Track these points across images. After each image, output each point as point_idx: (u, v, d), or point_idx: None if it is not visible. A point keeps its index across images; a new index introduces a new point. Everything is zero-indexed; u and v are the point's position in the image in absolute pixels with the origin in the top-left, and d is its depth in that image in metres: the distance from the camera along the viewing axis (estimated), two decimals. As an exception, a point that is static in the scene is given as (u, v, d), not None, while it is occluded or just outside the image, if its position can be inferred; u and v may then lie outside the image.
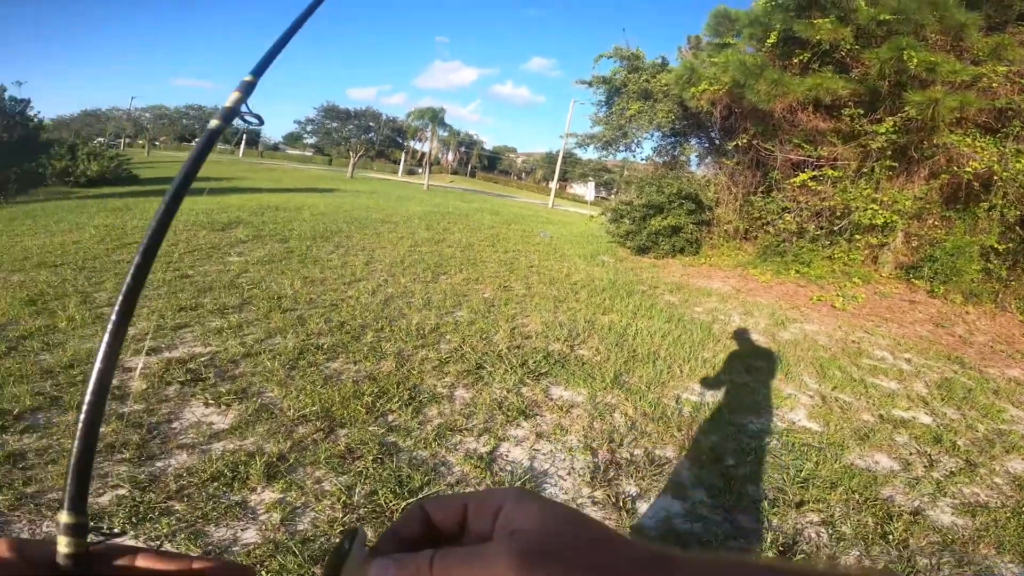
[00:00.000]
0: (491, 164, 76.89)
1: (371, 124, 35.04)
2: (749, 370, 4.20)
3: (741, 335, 5.19)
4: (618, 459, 2.64)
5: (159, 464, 2.08)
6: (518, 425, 2.82)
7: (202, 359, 3.06)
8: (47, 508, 1.77)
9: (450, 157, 63.89)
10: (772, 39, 7.68)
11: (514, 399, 3.06)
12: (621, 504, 2.28)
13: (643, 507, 2.30)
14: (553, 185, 33.71)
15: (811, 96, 7.38)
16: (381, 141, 36.73)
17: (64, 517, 0.35)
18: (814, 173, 7.85)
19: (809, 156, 8.00)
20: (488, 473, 2.33)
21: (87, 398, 0.38)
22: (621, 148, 11.06)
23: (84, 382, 2.61)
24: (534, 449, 2.63)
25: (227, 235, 6.81)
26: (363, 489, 2.09)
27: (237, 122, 0.58)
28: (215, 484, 1.99)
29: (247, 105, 0.56)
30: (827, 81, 7.16)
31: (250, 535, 1.80)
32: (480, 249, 8.18)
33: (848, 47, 7.22)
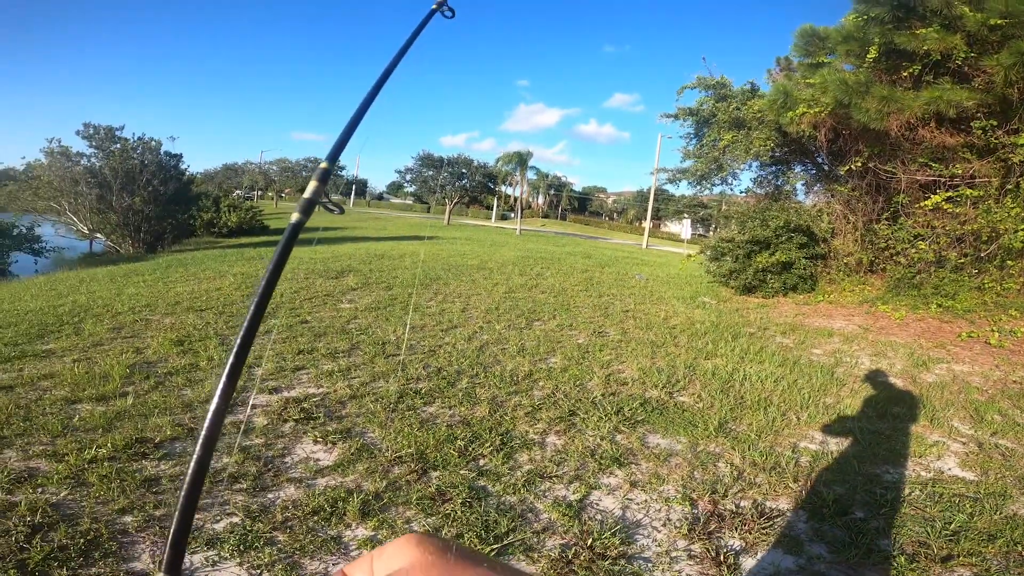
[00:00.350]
0: (582, 205, 77.28)
1: (463, 171, 36.88)
2: (884, 416, 3.75)
3: (872, 378, 4.65)
4: (721, 510, 2.43)
5: (270, 495, 2.25)
6: (611, 473, 2.71)
7: (314, 399, 3.30)
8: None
9: (540, 200, 65.21)
10: (872, 54, 7.10)
11: (608, 447, 2.95)
12: (722, 559, 2.08)
13: (748, 563, 2.10)
14: (646, 224, 33.06)
15: (931, 110, 6.64)
16: (473, 187, 38.43)
17: None
18: (949, 194, 6.97)
19: (940, 175, 7.14)
20: (576, 521, 2.24)
21: (188, 477, 0.42)
22: (716, 181, 10.56)
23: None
24: (627, 498, 2.50)
25: (339, 283, 7.41)
26: (449, 531, 2.10)
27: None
28: (315, 518, 2.11)
29: (326, 193, 0.61)
30: (947, 92, 6.42)
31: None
32: (574, 294, 8.15)
33: (963, 55, 6.48)
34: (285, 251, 0.53)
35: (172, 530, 0.41)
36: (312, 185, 0.59)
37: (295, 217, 0.56)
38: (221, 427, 0.45)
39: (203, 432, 0.44)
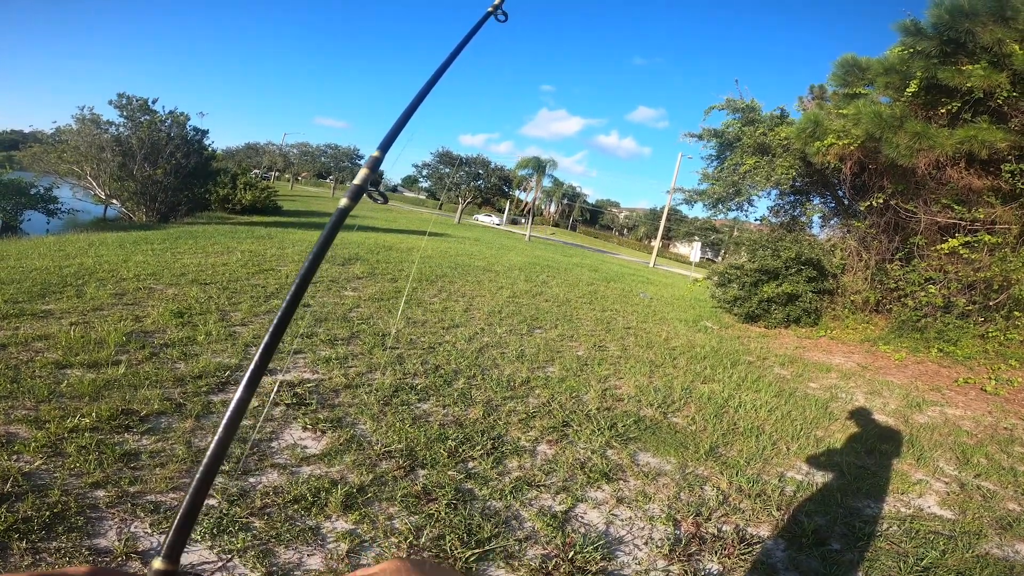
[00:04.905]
0: (593, 218, 77.28)
1: (480, 171, 37.00)
2: (871, 452, 3.77)
3: (865, 415, 4.64)
4: (703, 533, 2.41)
5: (251, 480, 2.22)
6: (599, 488, 2.68)
7: (309, 385, 3.28)
8: (141, 510, 1.91)
9: (552, 208, 65.26)
10: (913, 88, 7.01)
11: (598, 461, 2.93)
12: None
13: None
14: (656, 243, 33.02)
15: (963, 150, 6.55)
16: (488, 188, 38.52)
17: (157, 563, 0.37)
18: (967, 239, 6.90)
19: (961, 219, 7.06)
20: (560, 533, 2.21)
21: (202, 466, 0.40)
22: (733, 206, 10.48)
23: (210, 393, 2.92)
24: (612, 514, 2.47)
25: (346, 270, 7.42)
26: (432, 532, 2.07)
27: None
28: (295, 506, 2.07)
29: (373, 182, 0.60)
30: (983, 132, 6.33)
31: (314, 562, 1.83)
32: (577, 306, 8.12)
33: (1006, 94, 6.40)
34: (331, 235, 0.53)
35: (179, 515, 0.38)
36: (363, 172, 0.59)
37: (343, 202, 0.56)
38: (245, 411, 0.43)
39: (227, 414, 0.42)
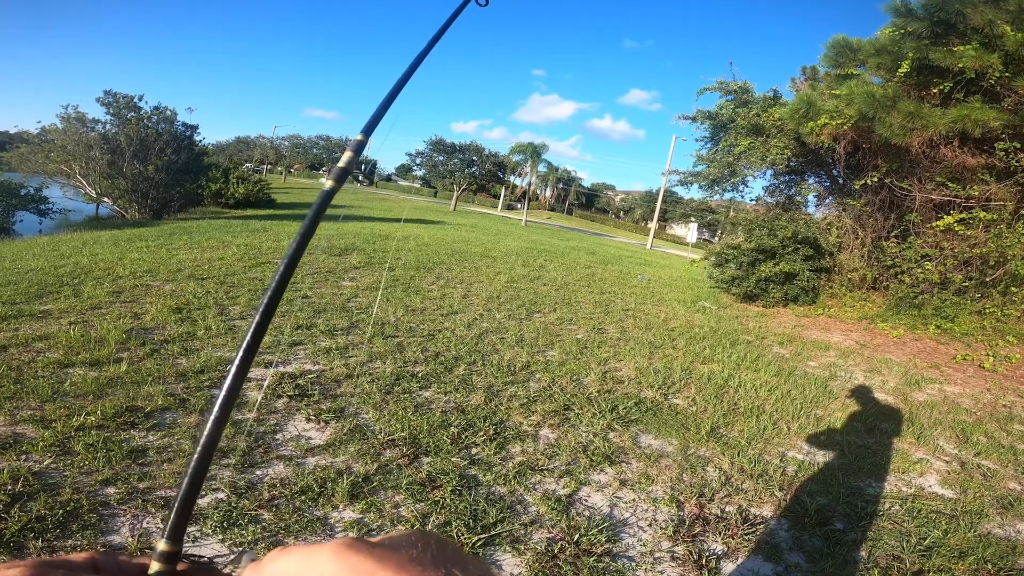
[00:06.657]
0: (589, 202, 77.13)
1: (474, 158, 36.78)
2: (871, 431, 3.80)
3: (864, 394, 4.67)
4: (706, 514, 2.45)
5: (258, 472, 2.24)
6: (602, 471, 2.71)
7: (310, 376, 3.29)
8: (152, 505, 1.93)
9: (548, 193, 65.02)
10: (904, 68, 6.99)
11: (600, 443, 2.96)
12: (703, 562, 2.10)
13: (728, 567, 2.12)
14: (652, 225, 32.95)
15: (956, 129, 6.55)
16: (482, 175, 38.32)
17: (161, 545, 0.37)
18: (962, 216, 6.91)
19: (956, 196, 7.07)
20: (564, 516, 2.25)
21: (199, 445, 0.40)
22: (728, 187, 10.48)
23: (212, 387, 2.93)
24: (616, 496, 2.51)
25: (343, 260, 7.40)
26: (438, 519, 2.10)
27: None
28: (303, 497, 2.10)
29: (358, 164, 0.60)
30: (975, 112, 6.33)
31: (324, 551, 1.86)
32: (575, 289, 8.14)
33: (998, 74, 6.39)
34: (315, 219, 0.52)
35: (180, 496, 0.38)
36: (347, 155, 0.58)
37: (328, 184, 0.55)
38: (240, 390, 0.43)
39: (221, 394, 0.42)
